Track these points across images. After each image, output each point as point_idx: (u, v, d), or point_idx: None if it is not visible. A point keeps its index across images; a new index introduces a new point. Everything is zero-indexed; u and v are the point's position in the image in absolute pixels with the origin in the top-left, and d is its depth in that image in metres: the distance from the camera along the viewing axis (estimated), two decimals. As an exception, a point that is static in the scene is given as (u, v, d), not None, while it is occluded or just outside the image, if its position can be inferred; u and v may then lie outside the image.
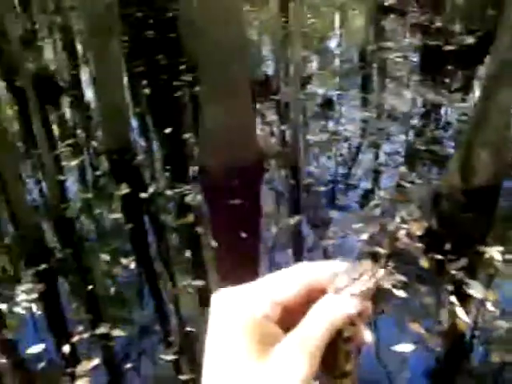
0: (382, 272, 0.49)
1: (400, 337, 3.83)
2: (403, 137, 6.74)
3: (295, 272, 0.50)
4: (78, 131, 7.78)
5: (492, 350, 3.74)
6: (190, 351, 3.89)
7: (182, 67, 8.89)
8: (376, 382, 3.60)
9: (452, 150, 6.12)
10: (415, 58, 9.50)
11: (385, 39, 10.41)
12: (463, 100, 7.51)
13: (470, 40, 9.58)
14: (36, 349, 3.99)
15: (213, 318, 0.48)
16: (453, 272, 4.30)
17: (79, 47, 11.57)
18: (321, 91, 8.23)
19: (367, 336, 0.49)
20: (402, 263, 4.46)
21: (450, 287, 4.19)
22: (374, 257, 4.50)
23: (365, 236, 4.77)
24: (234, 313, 0.47)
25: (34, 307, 4.42)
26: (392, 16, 11.75)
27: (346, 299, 0.47)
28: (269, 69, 9.59)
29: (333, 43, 11.05)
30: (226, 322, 0.47)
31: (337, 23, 12.48)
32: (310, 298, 0.49)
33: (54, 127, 8.05)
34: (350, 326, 0.48)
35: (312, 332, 0.45)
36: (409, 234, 4.74)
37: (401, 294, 4.15)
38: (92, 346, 4.02)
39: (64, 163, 6.72)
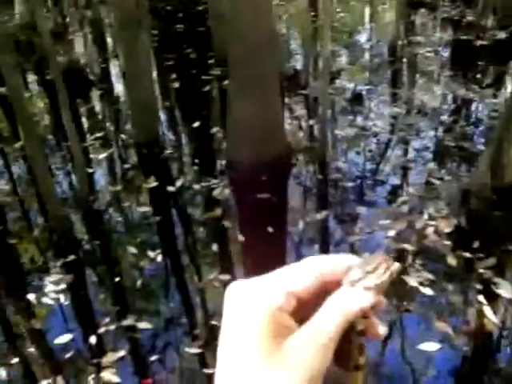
0: (396, 266, 0.49)
1: (426, 335, 3.80)
2: (433, 133, 6.68)
3: (309, 264, 0.50)
4: (107, 124, 7.85)
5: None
6: (216, 345, 3.90)
7: (211, 61, 8.92)
8: (401, 380, 3.58)
9: (482, 147, 6.06)
10: (446, 52, 9.41)
11: (415, 34, 10.32)
12: (494, 96, 7.41)
13: (503, 35, 9.44)
14: (63, 339, 4.05)
15: (227, 309, 0.48)
16: (481, 270, 4.25)
17: (109, 41, 11.66)
18: (350, 86, 8.19)
19: (380, 329, 0.50)
20: (430, 260, 4.43)
21: (478, 286, 4.15)
22: (401, 253, 4.47)
23: (392, 232, 4.74)
24: (249, 304, 0.47)
25: (62, 298, 4.48)
26: (422, 10, 11.64)
27: (359, 292, 0.47)
28: (297, 63, 9.56)
29: (362, 37, 10.97)
30: (240, 314, 0.47)
31: (366, 17, 12.40)
32: (324, 290, 0.49)
33: (84, 120, 8.14)
34: (363, 319, 0.48)
35: (326, 324, 0.45)
36: (437, 232, 4.71)
37: (428, 291, 4.11)
38: (118, 338, 4.06)
39: (93, 156, 6.79)
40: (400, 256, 4.43)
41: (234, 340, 0.46)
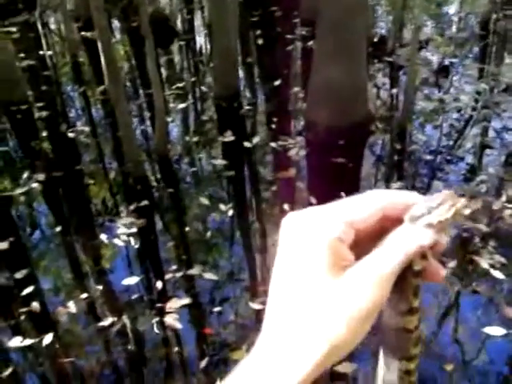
0: (462, 201, 0.46)
1: (492, 319, 3.71)
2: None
3: (371, 196, 0.48)
4: (188, 75, 7.90)
5: None
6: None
7: (296, 21, 8.81)
8: (454, 360, 3.52)
9: None
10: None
11: (511, 8, 9.86)
12: None
13: None
14: (131, 280, 4.15)
15: (284, 238, 0.47)
16: (556, 260, 4.11)
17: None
18: (435, 58, 7.94)
19: (440, 272, 0.47)
20: (503, 244, 4.31)
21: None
22: (474, 234, 4.37)
23: (467, 211, 4.62)
24: (308, 232, 0.45)
25: (133, 241, 4.58)
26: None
27: (419, 229, 0.45)
28: (384, 30, 9.33)
29: (452, 9, 10.59)
30: (299, 242, 0.46)
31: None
32: (383, 226, 0.47)
33: (165, 70, 8.20)
34: (421, 260, 0.46)
35: (386, 260, 0.44)
36: (513, 215, 4.57)
37: (498, 275, 4.01)
38: (183, 285, 4.14)
39: (171, 105, 6.86)
40: (473, 236, 4.33)
41: (290, 268, 0.45)
